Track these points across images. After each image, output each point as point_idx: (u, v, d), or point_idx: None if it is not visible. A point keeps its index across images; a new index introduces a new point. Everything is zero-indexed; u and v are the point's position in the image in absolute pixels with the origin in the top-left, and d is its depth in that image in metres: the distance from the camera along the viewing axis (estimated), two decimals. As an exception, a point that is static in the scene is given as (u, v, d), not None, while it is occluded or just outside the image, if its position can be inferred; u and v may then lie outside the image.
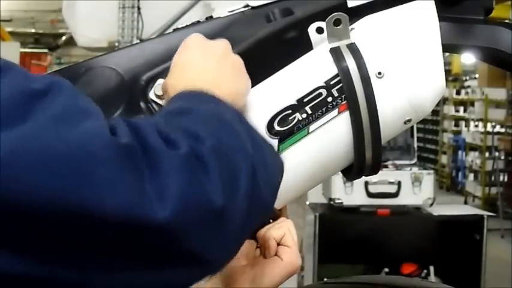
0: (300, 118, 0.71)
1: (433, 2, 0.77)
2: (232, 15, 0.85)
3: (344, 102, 0.71)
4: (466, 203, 8.11)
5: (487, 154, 8.56)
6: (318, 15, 0.80)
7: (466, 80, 11.02)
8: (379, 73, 0.72)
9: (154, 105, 0.76)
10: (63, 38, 13.35)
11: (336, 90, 0.71)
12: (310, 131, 0.72)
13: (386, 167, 3.78)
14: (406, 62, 0.73)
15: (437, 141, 10.38)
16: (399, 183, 3.65)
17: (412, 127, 3.54)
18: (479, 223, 3.71)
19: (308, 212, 3.74)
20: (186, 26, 0.85)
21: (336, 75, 0.72)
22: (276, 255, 0.76)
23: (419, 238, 3.84)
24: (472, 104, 9.56)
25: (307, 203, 3.81)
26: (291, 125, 0.71)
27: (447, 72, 8.41)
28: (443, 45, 0.76)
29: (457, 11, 0.85)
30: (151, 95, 0.76)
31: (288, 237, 0.76)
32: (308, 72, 0.74)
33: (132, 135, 0.47)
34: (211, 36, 0.73)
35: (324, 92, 0.72)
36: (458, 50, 0.91)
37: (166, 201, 0.45)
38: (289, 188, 0.74)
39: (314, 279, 3.58)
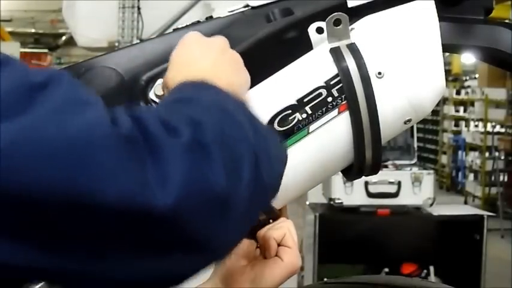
0: (300, 118, 0.71)
1: (433, 2, 0.77)
2: (232, 15, 0.85)
3: (344, 102, 0.71)
4: (466, 203, 8.10)
5: (487, 154, 8.56)
6: (318, 15, 0.80)
7: (466, 80, 11.02)
8: (379, 73, 0.72)
9: (154, 105, 0.76)
10: (63, 38, 13.35)
11: (336, 90, 0.71)
12: (310, 131, 0.72)
13: (386, 167, 3.78)
14: (406, 62, 0.73)
15: (437, 141, 10.38)
16: (399, 183, 3.65)
17: (412, 127, 3.54)
18: (479, 223, 3.71)
19: (308, 212, 3.74)
20: (186, 26, 0.85)
21: (336, 75, 0.72)
22: (276, 255, 0.75)
23: (419, 238, 3.84)
24: (472, 104, 9.56)
25: (307, 203, 3.81)
26: (291, 125, 0.71)
27: (447, 72, 8.41)
28: (443, 45, 0.76)
29: (457, 11, 0.85)
30: (151, 95, 0.76)
31: (288, 238, 0.76)
32: (308, 72, 0.74)
33: (133, 124, 0.46)
34: (211, 36, 0.73)
35: (324, 92, 0.72)
36: (458, 50, 0.91)
37: (169, 189, 0.45)
38: (289, 187, 0.74)
39: (314, 279, 3.58)
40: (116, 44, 4.34)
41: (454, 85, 10.41)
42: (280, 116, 0.72)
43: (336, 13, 0.73)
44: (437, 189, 5.45)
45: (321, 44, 0.76)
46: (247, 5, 0.86)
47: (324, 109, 0.72)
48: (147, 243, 0.46)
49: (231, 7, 0.86)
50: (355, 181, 3.36)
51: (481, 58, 0.91)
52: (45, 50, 11.99)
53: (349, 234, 3.72)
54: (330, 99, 0.72)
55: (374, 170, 0.75)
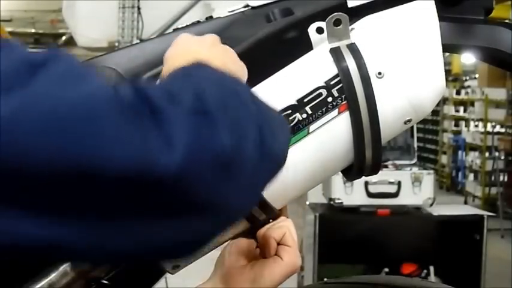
0: (300, 118, 0.71)
1: (433, 2, 0.77)
2: (232, 15, 0.85)
3: (344, 102, 0.71)
4: (466, 203, 8.11)
5: (487, 154, 8.56)
6: (318, 15, 0.80)
7: (466, 80, 11.02)
8: (379, 73, 0.72)
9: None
10: (63, 38, 13.35)
11: (336, 90, 0.71)
12: (310, 131, 0.72)
13: (386, 167, 3.78)
14: (406, 62, 0.73)
15: (437, 141, 10.38)
16: (399, 183, 3.65)
17: (412, 127, 3.54)
18: (479, 223, 3.71)
19: (308, 212, 3.74)
20: (186, 26, 0.85)
21: (336, 75, 0.72)
22: (276, 255, 0.76)
23: (419, 238, 3.84)
24: (472, 104, 9.56)
25: (307, 203, 3.81)
26: (291, 125, 0.71)
27: (447, 72, 8.41)
28: (443, 45, 0.76)
29: (457, 11, 0.85)
30: (152, 95, 0.76)
31: (288, 237, 0.76)
32: (308, 72, 0.74)
33: (135, 93, 0.47)
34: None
35: (324, 92, 0.72)
36: (458, 50, 0.91)
37: (174, 151, 0.45)
38: (289, 187, 0.74)
39: (314, 279, 3.58)
40: (116, 44, 4.34)
41: (454, 85, 10.41)
42: (280, 116, 0.72)
43: (336, 13, 0.73)
44: (437, 189, 5.45)
45: (321, 44, 0.76)
46: (247, 5, 0.86)
47: (324, 109, 0.72)
48: (156, 207, 0.46)
49: (231, 7, 0.86)
50: (355, 181, 3.36)
51: (481, 58, 0.91)
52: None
53: (349, 234, 3.72)
54: (330, 99, 0.72)
55: (374, 170, 0.75)
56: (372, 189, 3.62)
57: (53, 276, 0.76)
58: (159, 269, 0.74)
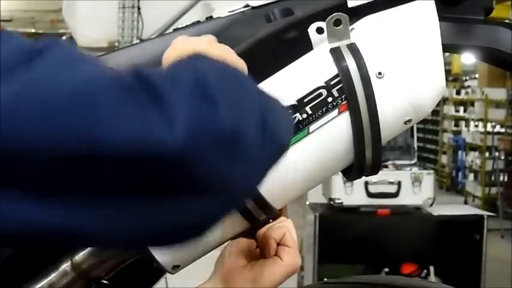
0: (301, 118, 0.71)
1: (433, 2, 0.77)
2: (232, 15, 0.85)
3: (344, 102, 0.71)
4: (466, 203, 8.11)
5: (487, 154, 8.56)
6: (318, 15, 0.80)
7: (466, 80, 11.02)
8: (379, 73, 0.72)
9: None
10: (63, 38, 13.36)
11: (336, 90, 0.71)
12: (310, 131, 0.72)
13: (386, 167, 3.78)
14: (406, 62, 0.73)
15: (437, 141, 10.38)
16: (399, 183, 3.65)
17: (412, 127, 3.54)
18: (479, 223, 3.71)
19: (308, 212, 3.74)
20: (186, 26, 0.85)
21: (336, 76, 0.72)
22: (275, 255, 0.76)
23: (419, 238, 3.84)
24: (472, 104, 9.56)
25: (307, 203, 3.81)
26: (291, 125, 0.71)
27: (447, 72, 8.41)
28: (443, 45, 0.76)
29: (457, 11, 0.85)
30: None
31: (288, 237, 0.76)
32: (308, 73, 0.74)
33: (135, 76, 0.47)
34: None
35: (324, 92, 0.72)
36: (458, 50, 0.91)
37: (175, 130, 0.45)
38: (289, 187, 0.74)
39: (314, 279, 3.58)
40: (116, 44, 4.34)
41: (454, 85, 10.41)
42: (280, 116, 0.72)
43: (336, 13, 0.73)
44: (437, 189, 5.45)
45: (321, 44, 0.76)
46: (247, 5, 0.86)
47: (324, 109, 0.72)
48: (159, 187, 0.46)
49: (231, 7, 0.86)
50: (355, 181, 3.36)
51: (481, 58, 0.91)
52: (45, 50, 11.96)
53: (349, 234, 3.73)
54: (330, 99, 0.72)
55: (374, 170, 0.75)
56: (372, 189, 3.62)
57: (53, 276, 0.76)
58: (159, 269, 0.74)
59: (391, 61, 0.73)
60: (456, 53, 0.94)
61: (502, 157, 8.28)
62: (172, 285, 2.57)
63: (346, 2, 0.82)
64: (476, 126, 9.49)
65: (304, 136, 0.72)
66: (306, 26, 0.78)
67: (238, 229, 0.75)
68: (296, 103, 0.72)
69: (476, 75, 10.58)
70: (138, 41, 2.41)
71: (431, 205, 3.68)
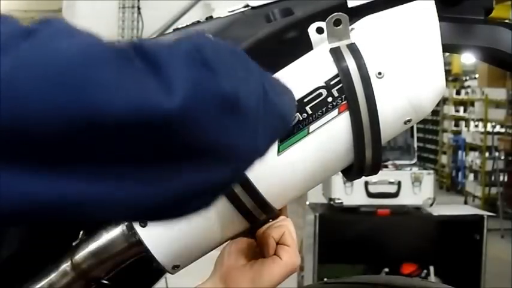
0: (301, 118, 0.71)
1: (433, 2, 0.77)
2: (232, 15, 0.85)
3: (344, 102, 0.71)
4: (466, 203, 8.11)
5: (487, 154, 8.57)
6: (318, 15, 0.80)
7: (466, 80, 11.03)
8: (379, 73, 0.72)
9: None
10: (63, 38, 13.35)
11: (336, 90, 0.71)
12: (310, 131, 0.72)
13: (386, 167, 3.78)
14: (406, 62, 0.73)
15: (437, 141, 10.39)
16: (399, 183, 3.65)
17: (412, 127, 3.54)
18: (479, 223, 3.71)
19: (308, 212, 3.74)
20: (186, 26, 0.85)
21: (336, 76, 0.72)
22: (275, 254, 0.76)
23: (419, 238, 3.85)
24: (472, 104, 9.57)
25: (307, 203, 3.81)
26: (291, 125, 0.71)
27: (447, 72, 8.42)
28: (443, 45, 0.76)
29: (457, 11, 0.85)
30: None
31: (287, 237, 0.76)
32: (308, 73, 0.74)
33: (130, 45, 0.47)
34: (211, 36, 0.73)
35: (324, 92, 0.72)
36: (458, 50, 0.91)
37: (174, 94, 0.44)
38: (289, 187, 0.74)
39: (314, 279, 3.58)
40: (116, 44, 4.34)
41: (454, 85, 10.42)
42: (280, 116, 0.72)
43: (336, 13, 0.73)
44: (437, 189, 5.45)
45: (321, 44, 0.76)
46: (247, 5, 0.86)
47: (324, 109, 0.72)
48: (162, 154, 0.45)
49: (231, 7, 0.86)
50: (355, 181, 3.36)
51: (481, 58, 0.91)
52: (45, 50, 11.97)
53: (349, 234, 3.73)
54: (330, 99, 0.72)
55: (374, 170, 0.75)
56: (372, 189, 3.62)
57: (53, 276, 0.76)
58: (159, 269, 0.74)
59: (391, 61, 0.73)
60: (456, 53, 0.94)
61: (502, 157, 8.28)
62: (172, 285, 2.57)
63: (346, 2, 0.82)
64: (476, 126, 9.50)
65: (304, 136, 0.72)
66: (306, 26, 0.78)
67: (238, 229, 0.75)
68: (296, 103, 0.72)
69: (476, 75, 10.58)
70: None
71: (431, 205, 3.69)
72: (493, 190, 8.14)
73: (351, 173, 0.76)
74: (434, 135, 10.42)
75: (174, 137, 0.45)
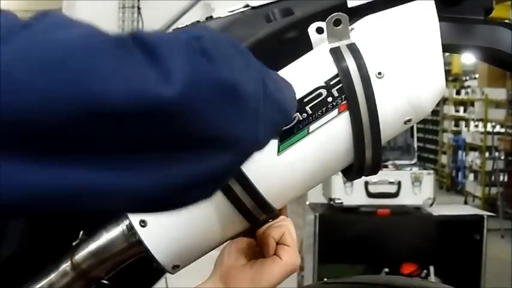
0: (301, 118, 0.71)
1: (433, 2, 0.77)
2: (232, 15, 0.85)
3: (344, 102, 0.71)
4: (466, 203, 8.12)
5: (487, 154, 8.57)
6: (318, 15, 0.80)
7: (466, 80, 11.03)
8: (379, 73, 0.72)
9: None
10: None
11: (336, 90, 0.71)
12: (310, 131, 0.72)
13: (386, 167, 3.78)
14: (406, 62, 0.73)
15: (437, 141, 10.39)
16: (399, 183, 3.65)
17: (412, 127, 3.54)
18: (479, 223, 3.72)
19: (308, 212, 3.75)
20: (186, 26, 0.85)
21: (336, 75, 0.72)
22: (275, 254, 0.76)
23: (419, 238, 3.85)
24: (472, 104, 9.57)
25: (307, 203, 3.81)
26: (291, 125, 0.71)
27: (447, 72, 8.42)
28: (443, 45, 0.76)
29: (457, 11, 0.85)
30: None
31: (287, 237, 0.76)
32: (308, 72, 0.74)
33: (128, 35, 0.47)
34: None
35: (324, 92, 0.72)
36: (458, 50, 0.91)
37: (172, 82, 0.44)
38: (289, 187, 0.74)
39: (314, 279, 3.58)
40: (116, 44, 4.34)
41: (454, 85, 10.42)
42: (280, 116, 0.72)
43: (336, 13, 0.73)
44: (437, 189, 5.45)
45: (320, 44, 0.76)
46: (247, 5, 0.86)
47: (324, 109, 0.72)
48: (162, 142, 0.45)
49: (231, 7, 0.86)
50: (355, 181, 3.36)
51: (481, 58, 0.91)
52: (45, 50, 11.99)
53: (349, 234, 3.73)
54: (330, 99, 0.72)
55: (374, 170, 0.75)
56: (372, 189, 3.62)
57: (53, 276, 0.76)
58: (159, 269, 0.74)
59: (391, 61, 0.73)
60: (456, 53, 0.94)
61: (502, 157, 8.28)
62: (172, 285, 2.57)
63: (346, 2, 0.82)
64: (476, 126, 9.50)
65: (304, 136, 0.72)
66: (306, 26, 0.78)
67: (238, 229, 0.75)
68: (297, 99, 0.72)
69: (476, 75, 10.58)
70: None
71: (431, 205, 3.69)
72: (493, 190, 8.14)
73: (351, 173, 0.76)
74: (434, 135, 10.42)
75: (174, 126, 0.45)
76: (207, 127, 0.47)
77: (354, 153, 0.73)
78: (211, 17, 0.87)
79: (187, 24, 0.86)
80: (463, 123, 9.98)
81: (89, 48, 0.43)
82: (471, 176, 9.23)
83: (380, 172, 0.77)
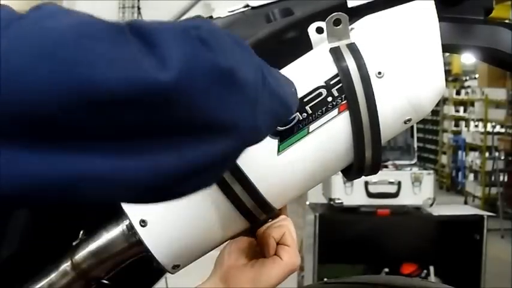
0: (300, 118, 0.71)
1: (433, 2, 0.77)
2: (232, 15, 0.85)
3: (344, 102, 0.71)
4: (466, 203, 8.12)
5: (487, 154, 8.57)
6: (318, 15, 0.80)
7: (466, 80, 11.03)
8: (379, 73, 0.72)
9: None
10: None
11: (336, 90, 0.72)
12: (310, 131, 0.72)
13: (386, 167, 3.78)
14: (406, 62, 0.73)
15: (437, 141, 10.39)
16: (399, 183, 3.65)
17: (412, 127, 3.54)
18: (479, 223, 3.72)
19: (308, 212, 3.75)
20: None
21: (336, 75, 0.72)
22: (275, 254, 0.76)
23: (419, 238, 3.85)
24: (472, 104, 9.57)
25: (307, 203, 3.82)
26: (291, 125, 0.71)
27: (447, 72, 8.42)
28: (443, 45, 0.76)
29: (457, 11, 0.85)
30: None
31: (287, 237, 0.76)
32: (308, 72, 0.74)
33: (126, 23, 0.47)
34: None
35: (324, 91, 0.72)
36: (458, 50, 0.91)
37: (170, 65, 0.44)
38: (289, 187, 0.74)
39: (314, 279, 3.58)
40: (116, 44, 4.34)
41: (454, 85, 10.42)
42: (280, 116, 0.72)
43: (335, 13, 0.73)
44: (437, 189, 5.46)
45: (320, 44, 0.76)
46: (247, 5, 0.86)
47: (324, 109, 0.72)
48: (160, 128, 0.45)
49: (231, 7, 0.86)
50: (355, 181, 3.36)
51: (481, 58, 0.91)
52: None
53: (349, 234, 3.73)
54: (330, 99, 0.72)
55: (374, 170, 0.75)
56: (372, 189, 3.62)
57: (53, 276, 0.76)
58: (159, 269, 0.74)
59: (390, 61, 0.73)
60: (456, 53, 0.94)
61: (502, 157, 8.29)
62: (172, 285, 2.57)
63: (346, 2, 0.82)
64: (476, 126, 9.50)
65: (304, 136, 0.72)
66: (305, 26, 0.78)
67: (239, 229, 0.75)
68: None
69: (476, 75, 10.58)
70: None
71: (431, 205, 3.69)
72: (493, 190, 8.14)
73: (350, 172, 0.76)
74: (434, 135, 10.42)
75: (171, 111, 0.45)
76: (204, 112, 0.47)
77: (353, 153, 0.73)
78: (211, 17, 0.87)
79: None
80: (463, 123, 9.99)
81: (84, 35, 0.43)
82: (471, 176, 9.23)
83: (380, 172, 0.77)
